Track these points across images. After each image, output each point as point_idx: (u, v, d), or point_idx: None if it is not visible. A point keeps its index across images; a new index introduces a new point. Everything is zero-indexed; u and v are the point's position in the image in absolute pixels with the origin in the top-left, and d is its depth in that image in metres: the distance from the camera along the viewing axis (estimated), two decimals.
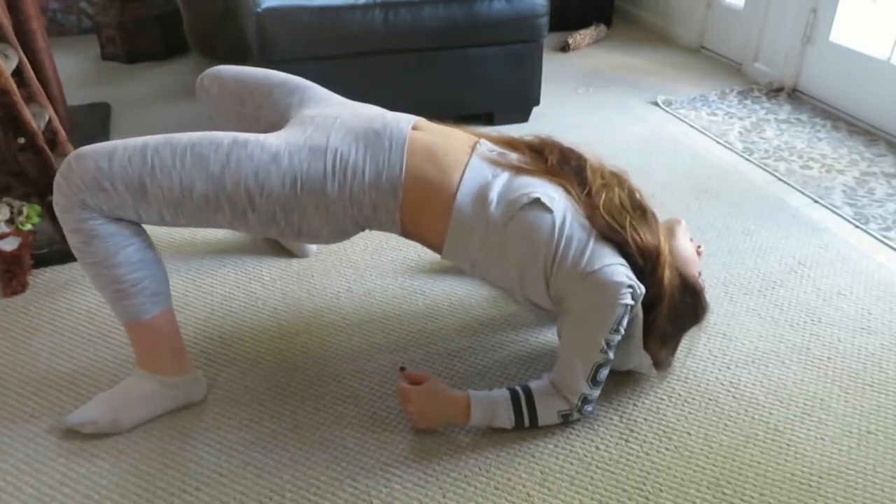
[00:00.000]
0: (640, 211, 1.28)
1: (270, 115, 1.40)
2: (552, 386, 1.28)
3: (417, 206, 1.23)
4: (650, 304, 1.24)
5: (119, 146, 1.15)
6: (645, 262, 1.22)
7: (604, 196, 1.25)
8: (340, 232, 1.26)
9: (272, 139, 1.20)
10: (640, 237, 1.23)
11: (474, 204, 1.22)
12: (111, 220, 1.17)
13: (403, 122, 1.27)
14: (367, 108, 1.34)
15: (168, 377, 1.31)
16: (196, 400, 1.36)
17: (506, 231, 1.21)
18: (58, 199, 1.15)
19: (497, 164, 1.27)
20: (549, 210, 1.20)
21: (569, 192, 1.26)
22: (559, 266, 1.20)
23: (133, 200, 1.14)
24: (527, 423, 1.28)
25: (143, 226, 1.23)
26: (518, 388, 1.29)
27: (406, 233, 1.28)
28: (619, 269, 1.18)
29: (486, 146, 1.31)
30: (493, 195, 1.22)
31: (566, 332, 1.26)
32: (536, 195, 1.21)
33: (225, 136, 1.18)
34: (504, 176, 1.25)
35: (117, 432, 1.29)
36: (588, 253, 1.19)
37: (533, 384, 1.30)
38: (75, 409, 1.32)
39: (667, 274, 1.24)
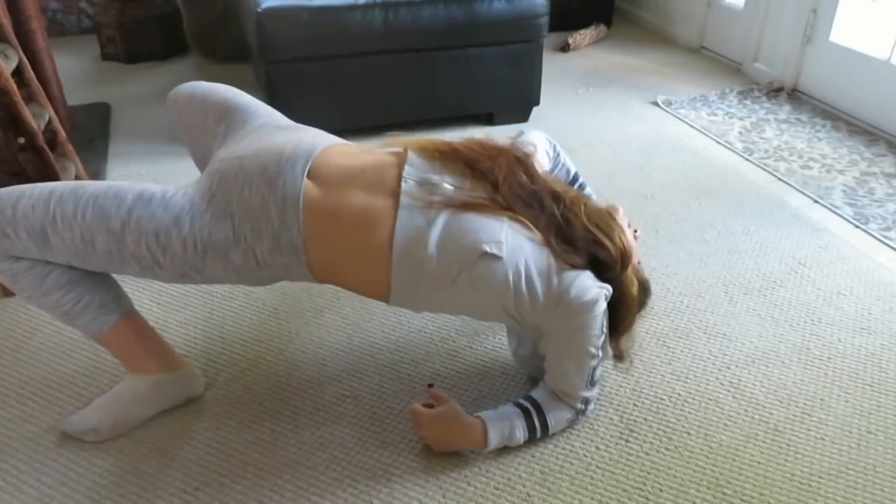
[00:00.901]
0: (612, 216, 1.25)
1: (208, 143, 1.35)
2: (554, 394, 1.27)
3: (334, 262, 1.15)
4: (613, 303, 1.21)
5: (27, 192, 1.11)
6: (622, 267, 1.19)
7: (584, 206, 1.20)
8: (259, 283, 1.21)
9: (178, 197, 1.13)
10: (625, 241, 1.19)
11: (412, 262, 1.11)
12: (23, 258, 1.13)
13: (300, 163, 1.14)
14: (272, 138, 1.22)
15: (159, 375, 1.31)
16: (194, 394, 1.36)
17: (455, 286, 1.12)
18: None
19: (430, 204, 1.13)
20: (499, 257, 1.11)
21: (516, 220, 1.15)
22: (531, 307, 1.14)
23: (37, 248, 1.10)
24: (539, 435, 1.27)
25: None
26: (526, 404, 1.26)
27: (329, 283, 1.20)
28: (586, 285, 1.14)
29: (414, 174, 1.16)
30: (432, 248, 1.10)
31: (552, 353, 1.23)
32: (482, 248, 1.10)
33: (130, 190, 1.12)
34: (440, 220, 1.12)
35: (118, 436, 1.29)
36: (555, 283, 1.13)
37: (537, 396, 1.27)
38: (73, 413, 1.32)
39: (630, 275, 1.22)
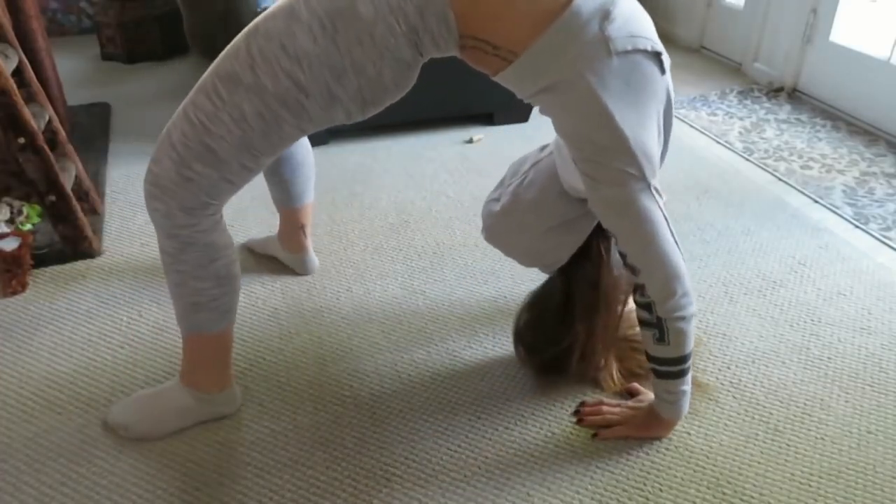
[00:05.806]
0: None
1: None
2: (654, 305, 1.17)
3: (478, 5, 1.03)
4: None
5: (169, 128, 1.09)
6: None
7: None
8: (400, 64, 1.08)
9: (281, 2, 1.06)
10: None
11: (593, 13, 1.00)
12: (210, 230, 1.14)
13: None
14: None
15: (207, 394, 1.30)
16: (228, 413, 1.34)
17: (611, 62, 1.01)
18: (155, 206, 1.11)
19: None
20: (664, 72, 1.06)
21: None
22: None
23: (216, 171, 1.08)
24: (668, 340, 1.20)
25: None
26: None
27: (463, 38, 1.07)
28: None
29: None
30: (617, 13, 1.01)
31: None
32: (659, 48, 1.04)
33: (238, 37, 1.08)
34: (627, 3, 1.04)
35: (146, 440, 1.28)
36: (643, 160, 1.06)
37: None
38: (118, 402, 1.32)
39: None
